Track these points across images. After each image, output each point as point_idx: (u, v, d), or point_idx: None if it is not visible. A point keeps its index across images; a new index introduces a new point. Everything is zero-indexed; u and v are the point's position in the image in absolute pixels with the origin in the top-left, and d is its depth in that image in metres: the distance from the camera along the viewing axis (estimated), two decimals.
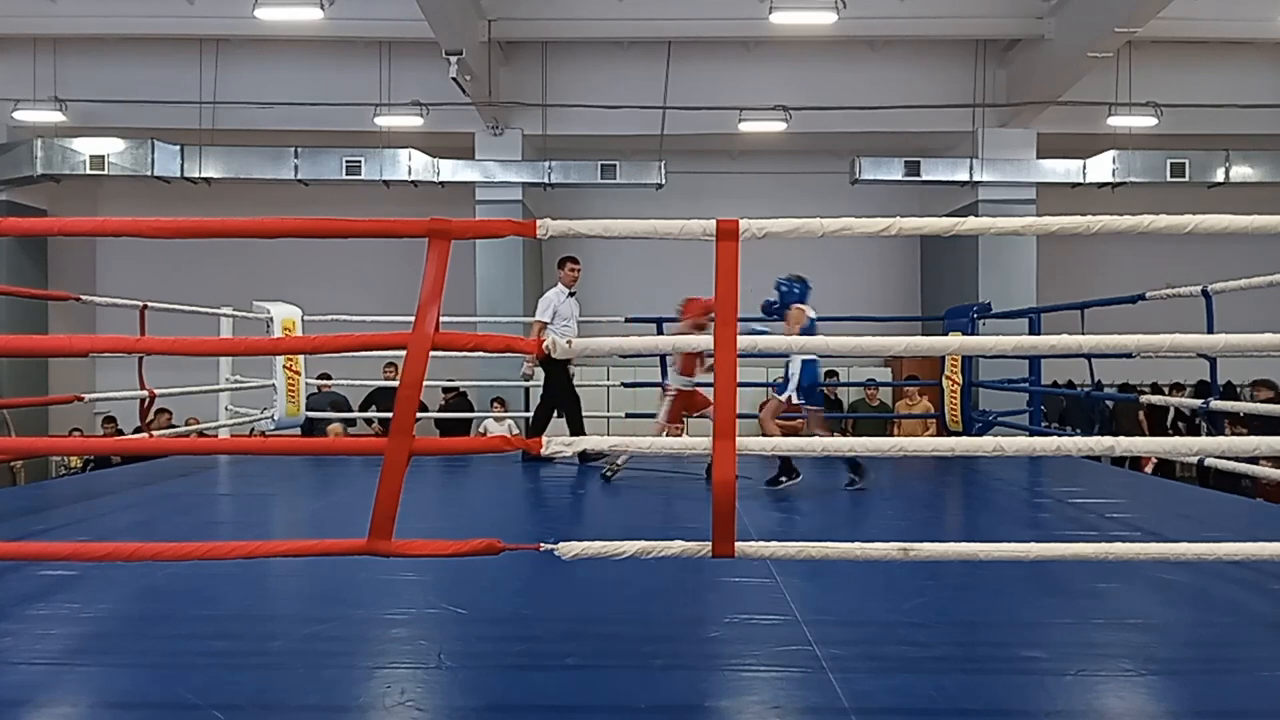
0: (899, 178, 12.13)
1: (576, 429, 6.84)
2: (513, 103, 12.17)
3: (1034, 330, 8.18)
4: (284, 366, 7.72)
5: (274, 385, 7.70)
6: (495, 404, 10.31)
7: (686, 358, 6.13)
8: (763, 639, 2.86)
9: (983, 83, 12.16)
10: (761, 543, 2.74)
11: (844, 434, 10.51)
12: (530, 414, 10.71)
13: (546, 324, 6.86)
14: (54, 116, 12.02)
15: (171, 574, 3.44)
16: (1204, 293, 5.35)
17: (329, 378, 9.65)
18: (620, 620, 3.10)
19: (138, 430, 6.71)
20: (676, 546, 2.63)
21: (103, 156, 11.82)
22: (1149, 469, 8.71)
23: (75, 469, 10.48)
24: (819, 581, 3.44)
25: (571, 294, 7.02)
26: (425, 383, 2.60)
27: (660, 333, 8.00)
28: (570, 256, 7.10)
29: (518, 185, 12.36)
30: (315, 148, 12.07)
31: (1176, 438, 2.73)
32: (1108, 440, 2.66)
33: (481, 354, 6.32)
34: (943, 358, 8.85)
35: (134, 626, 2.99)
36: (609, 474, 6.11)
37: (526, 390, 11.51)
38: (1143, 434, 10.46)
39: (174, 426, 8.81)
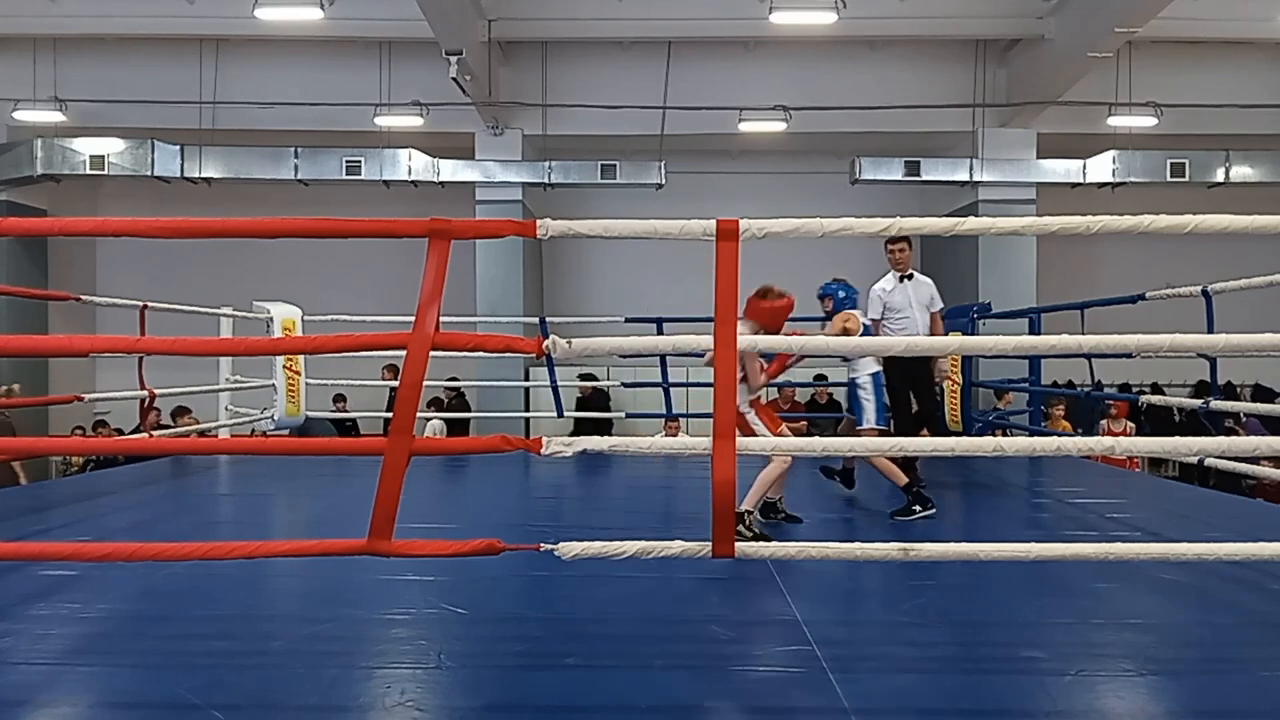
0: (899, 178, 12.13)
1: (939, 430, 6.14)
2: (513, 103, 12.17)
3: (1034, 330, 8.18)
4: (284, 366, 7.72)
5: (274, 385, 7.71)
6: (431, 406, 10.25)
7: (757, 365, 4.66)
8: (763, 639, 2.86)
9: (983, 83, 12.16)
10: (762, 543, 2.74)
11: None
12: (528, 414, 10.84)
13: (877, 321, 5.89)
14: (54, 116, 12.02)
15: (171, 574, 3.44)
16: (1204, 293, 5.35)
17: None
18: (620, 620, 3.09)
19: (138, 430, 6.71)
20: (676, 546, 2.64)
21: (103, 156, 11.81)
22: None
23: (76, 469, 10.46)
24: (819, 581, 3.44)
25: (904, 278, 5.92)
26: (425, 382, 2.60)
27: (660, 333, 7.98)
28: (889, 238, 5.83)
29: (518, 185, 12.36)
30: (315, 148, 12.07)
31: (1177, 438, 2.74)
32: (1108, 440, 2.67)
33: (481, 354, 6.32)
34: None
35: (134, 626, 2.99)
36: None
37: (526, 391, 11.54)
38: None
39: (166, 426, 8.79)
